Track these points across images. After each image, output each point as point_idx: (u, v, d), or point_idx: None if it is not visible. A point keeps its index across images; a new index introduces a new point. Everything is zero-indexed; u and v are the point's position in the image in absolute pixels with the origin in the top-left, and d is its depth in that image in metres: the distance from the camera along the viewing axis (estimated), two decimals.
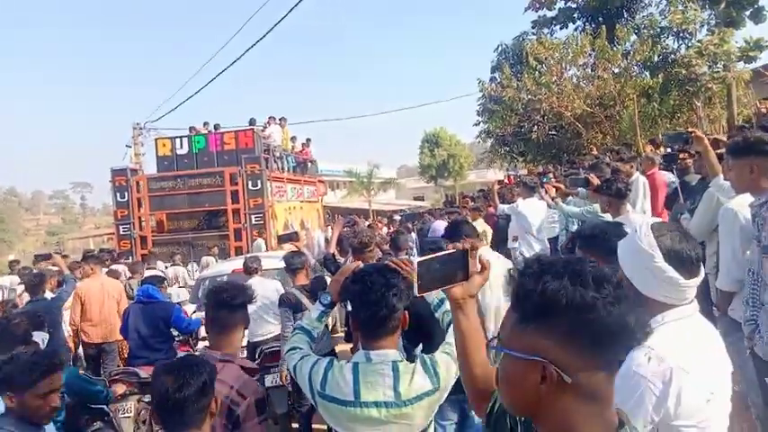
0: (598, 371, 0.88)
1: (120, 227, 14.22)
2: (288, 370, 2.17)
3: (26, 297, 6.65)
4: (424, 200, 46.46)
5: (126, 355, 6.35)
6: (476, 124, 18.84)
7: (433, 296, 2.14)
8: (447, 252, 1.43)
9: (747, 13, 13.26)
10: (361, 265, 2.23)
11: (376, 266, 2.07)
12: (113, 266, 9.69)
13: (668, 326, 1.53)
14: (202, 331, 5.66)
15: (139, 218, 14.26)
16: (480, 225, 7.32)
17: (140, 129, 21.37)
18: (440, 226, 8.70)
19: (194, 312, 6.55)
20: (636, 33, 11.90)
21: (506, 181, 8.52)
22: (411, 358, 2.04)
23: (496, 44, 17.32)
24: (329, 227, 14.02)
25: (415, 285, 1.38)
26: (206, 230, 14.37)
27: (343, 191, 40.79)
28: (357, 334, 2.02)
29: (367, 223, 17.13)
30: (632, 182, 4.55)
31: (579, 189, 5.44)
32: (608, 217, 3.92)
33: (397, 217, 22.38)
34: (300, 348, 2.11)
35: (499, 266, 3.37)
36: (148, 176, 14.72)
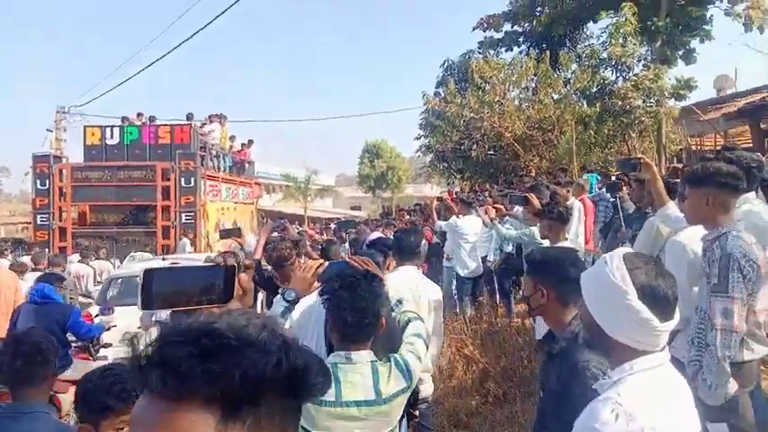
0: None
1: (38, 216, 13.35)
2: None
3: None
4: (360, 209, 46.51)
5: None
6: (417, 138, 19.00)
7: (392, 298, 2.21)
8: (206, 265, 1.41)
9: (680, 53, 14.28)
10: (325, 264, 2.29)
11: (362, 273, 2.09)
12: (21, 259, 9.05)
13: (638, 376, 1.31)
14: (104, 337, 5.50)
15: (60, 208, 13.42)
16: None
17: (64, 113, 20.16)
18: (377, 235, 8.67)
19: (97, 316, 6.01)
20: (577, 62, 12.38)
21: (446, 197, 8.59)
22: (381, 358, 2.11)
23: (443, 60, 17.58)
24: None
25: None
26: (132, 226, 13.75)
27: (279, 195, 40.17)
28: (334, 335, 2.00)
29: (298, 230, 16.93)
30: (570, 206, 4.67)
31: (516, 209, 5.53)
32: (545, 242, 3.99)
33: (333, 225, 22.28)
34: None
35: (429, 291, 3.44)
36: (73, 165, 13.92)
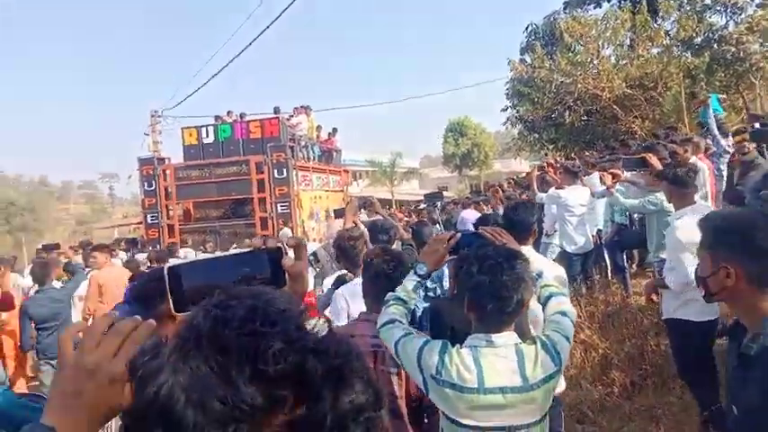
0: None
1: (148, 216, 14.27)
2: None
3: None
4: (447, 190, 46.02)
5: None
6: (503, 110, 18.21)
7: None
8: (244, 251, 1.12)
9: None
10: (458, 235, 2.14)
11: (502, 253, 1.91)
12: (135, 257, 9.66)
13: None
14: None
15: (167, 206, 14.27)
16: None
17: (158, 116, 21.37)
18: (469, 215, 8.31)
19: None
20: (679, 9, 11.19)
21: (547, 166, 7.99)
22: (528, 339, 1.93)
23: (526, 24, 16.63)
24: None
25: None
26: (233, 219, 14.34)
27: (365, 181, 40.59)
28: (471, 315, 1.86)
29: (388, 212, 16.89)
30: (695, 166, 4.15)
31: (638, 178, 4.93)
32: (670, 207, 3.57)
33: (423, 205, 22.04)
34: (400, 322, 2.00)
35: (554, 272, 3.03)
36: (175, 165, 14.72)
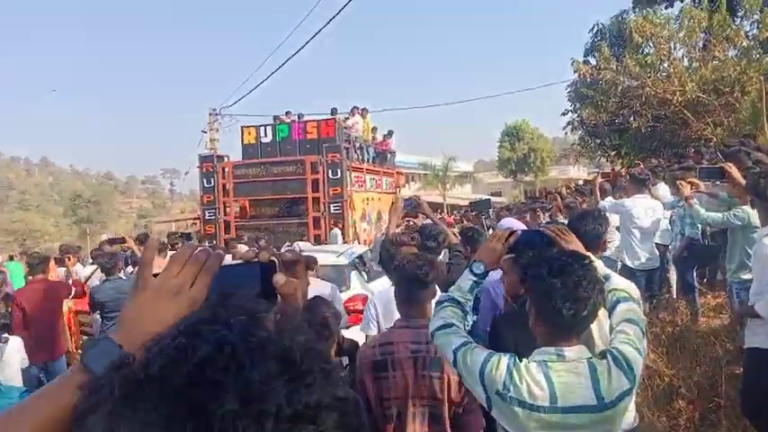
0: None
1: (206, 211, 14.63)
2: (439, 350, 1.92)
3: (94, 281, 6.74)
4: (501, 195, 45.30)
5: None
6: (564, 113, 17.51)
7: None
8: (238, 264, 0.94)
9: None
10: (518, 233, 2.02)
11: (569, 254, 1.80)
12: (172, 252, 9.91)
13: None
14: None
15: (224, 203, 14.58)
16: None
17: (216, 114, 21.87)
18: (510, 223, 7.95)
19: None
20: (762, 8, 10.35)
21: (611, 173, 7.56)
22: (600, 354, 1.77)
23: (592, 24, 15.81)
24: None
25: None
26: (286, 217, 14.49)
27: (417, 184, 40.46)
28: (540, 328, 1.72)
29: (438, 216, 16.63)
30: None
31: (718, 191, 4.47)
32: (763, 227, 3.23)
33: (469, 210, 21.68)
34: (457, 327, 1.87)
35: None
36: (234, 163, 15.03)
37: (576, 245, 1.97)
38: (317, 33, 14.41)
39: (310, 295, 4.30)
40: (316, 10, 14.53)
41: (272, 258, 0.94)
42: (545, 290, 1.65)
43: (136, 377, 0.49)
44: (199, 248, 0.83)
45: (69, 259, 7.60)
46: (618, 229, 5.88)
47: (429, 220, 4.84)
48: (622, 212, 5.89)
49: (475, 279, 1.96)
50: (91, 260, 8.74)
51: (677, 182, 4.81)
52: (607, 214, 6.07)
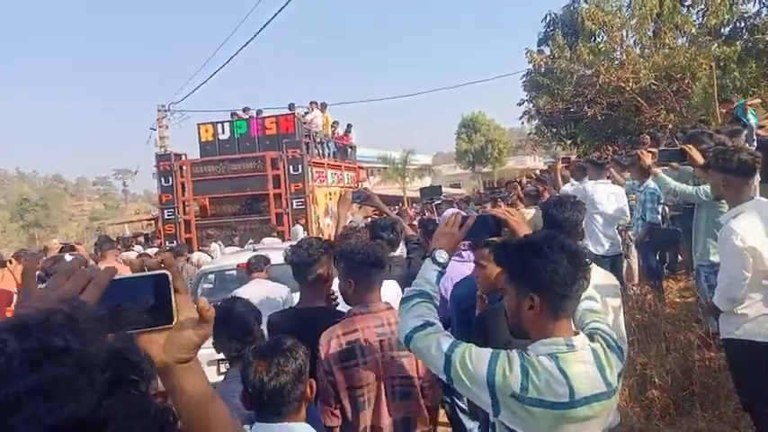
0: None
1: (165, 211, 14.24)
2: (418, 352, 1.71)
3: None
4: (460, 187, 45.78)
5: None
6: (519, 103, 17.70)
7: None
8: (143, 275, 0.89)
9: None
10: (474, 215, 1.99)
11: (555, 236, 1.66)
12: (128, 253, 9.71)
13: None
14: None
15: (183, 202, 14.22)
16: (531, 216, 6.19)
17: (165, 111, 21.30)
18: (453, 212, 7.87)
19: None
20: None
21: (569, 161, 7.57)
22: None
23: (544, 14, 16.00)
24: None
25: None
26: (248, 215, 14.27)
27: (377, 177, 40.43)
28: (543, 315, 1.56)
29: (396, 210, 16.71)
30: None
31: (682, 167, 4.42)
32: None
33: (438, 202, 21.77)
34: (438, 326, 1.70)
35: (604, 279, 2.64)
36: (192, 161, 14.68)
37: (524, 226, 1.92)
38: (264, 26, 14.09)
39: (261, 298, 4.07)
40: (264, 2, 14.15)
41: (164, 271, 0.87)
42: (537, 274, 1.53)
43: None
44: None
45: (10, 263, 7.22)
46: None
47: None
48: (584, 197, 5.90)
49: (440, 269, 1.83)
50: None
51: (639, 152, 4.83)
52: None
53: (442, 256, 1.83)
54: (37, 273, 6.16)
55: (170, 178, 14.17)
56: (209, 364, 4.84)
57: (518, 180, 12.58)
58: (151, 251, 10.59)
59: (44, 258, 7.25)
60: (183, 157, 14.88)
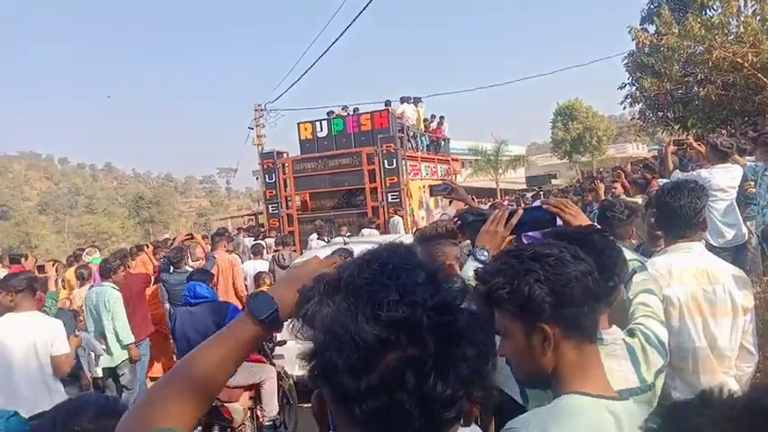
0: None
1: (269, 206, 15.04)
2: None
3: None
4: (557, 177, 44.20)
5: None
6: (621, 87, 16.66)
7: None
8: None
9: None
10: (520, 212, 1.84)
11: (585, 229, 1.63)
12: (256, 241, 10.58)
13: None
14: (280, 334, 4.47)
15: (286, 197, 14.94)
16: (640, 202, 5.81)
17: (261, 110, 22.20)
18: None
19: None
20: None
21: (689, 141, 6.82)
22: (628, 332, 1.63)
23: None
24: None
25: None
26: (345, 208, 14.75)
27: (468, 169, 39.94)
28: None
29: (491, 203, 16.44)
30: None
31: None
32: None
33: (530, 195, 21.22)
34: None
35: (733, 282, 2.39)
36: (293, 158, 15.36)
37: (582, 218, 1.80)
38: (352, 22, 14.39)
39: None
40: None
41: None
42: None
43: (333, 281, 0.77)
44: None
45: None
46: None
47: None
48: (704, 184, 5.55)
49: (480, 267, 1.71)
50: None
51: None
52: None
53: (483, 254, 1.75)
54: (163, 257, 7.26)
55: (273, 175, 14.94)
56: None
57: (622, 167, 11.92)
58: (269, 241, 11.65)
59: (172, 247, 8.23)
60: (285, 155, 15.62)
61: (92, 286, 6.12)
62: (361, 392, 0.68)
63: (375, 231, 11.84)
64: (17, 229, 57.63)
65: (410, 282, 0.73)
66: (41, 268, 5.80)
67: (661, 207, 2.56)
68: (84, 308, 5.87)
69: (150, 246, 9.24)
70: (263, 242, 11.49)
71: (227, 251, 8.36)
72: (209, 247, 8.35)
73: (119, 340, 5.67)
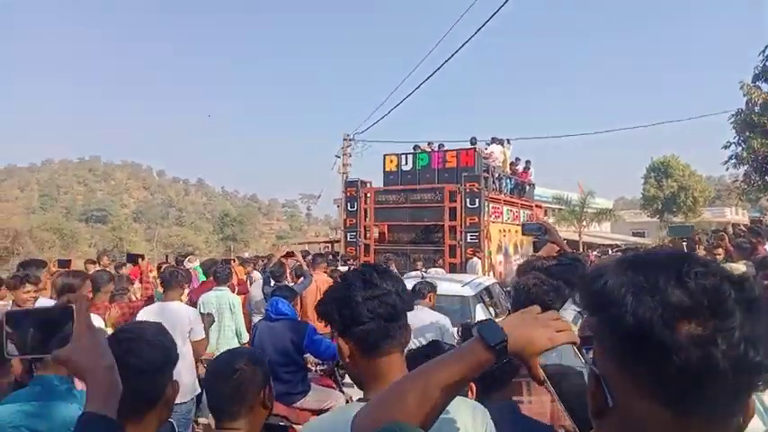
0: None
1: (348, 234, 15.25)
2: None
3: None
4: (645, 236, 42.00)
5: None
6: (726, 146, 15.75)
7: None
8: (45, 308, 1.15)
9: None
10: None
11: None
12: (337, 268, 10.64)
13: None
14: None
15: (365, 227, 15.10)
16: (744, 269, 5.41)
17: (350, 140, 22.88)
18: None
19: None
20: None
21: None
22: None
23: (762, 47, 14.06)
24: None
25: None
26: (422, 244, 14.65)
27: (551, 218, 38.80)
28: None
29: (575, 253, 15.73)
30: None
31: None
32: None
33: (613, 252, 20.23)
34: None
35: None
36: (375, 189, 15.57)
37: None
38: (444, 63, 14.52)
39: (421, 324, 4.39)
40: (446, 40, 14.61)
41: (71, 304, 1.08)
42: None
43: (623, 260, 0.82)
44: None
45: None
46: None
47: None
48: None
49: (579, 310, 1.71)
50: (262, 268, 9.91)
51: None
52: None
53: None
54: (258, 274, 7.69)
55: (355, 203, 15.19)
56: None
57: (723, 229, 11.16)
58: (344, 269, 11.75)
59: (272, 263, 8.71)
60: (369, 185, 15.86)
61: (192, 290, 6.72)
62: (678, 343, 0.70)
63: (441, 271, 11.66)
64: (113, 234, 61.77)
65: (703, 260, 0.78)
66: (121, 265, 6.91)
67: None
68: (200, 308, 6.22)
69: (236, 260, 9.78)
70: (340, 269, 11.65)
71: (325, 272, 8.53)
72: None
73: (238, 336, 6.17)
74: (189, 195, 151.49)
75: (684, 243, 6.89)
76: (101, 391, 1.04)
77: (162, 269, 6.87)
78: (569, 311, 1.68)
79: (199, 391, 4.47)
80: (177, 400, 1.73)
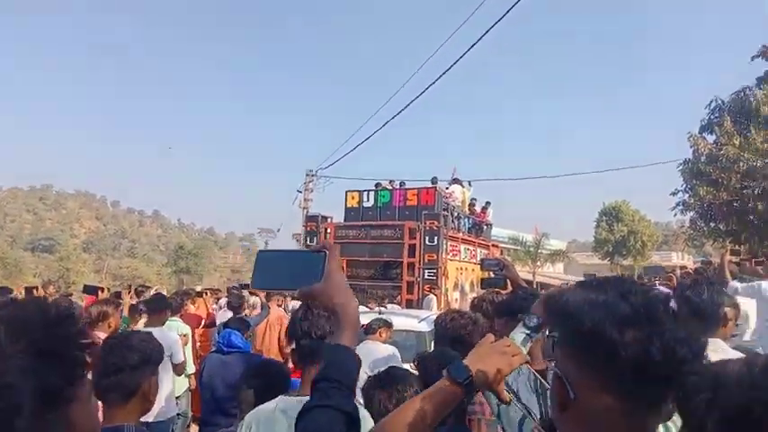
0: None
1: None
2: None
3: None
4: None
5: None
6: (674, 193, 16.48)
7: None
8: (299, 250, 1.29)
9: None
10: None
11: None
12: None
13: None
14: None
15: None
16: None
17: (312, 175, 23.08)
18: None
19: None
20: None
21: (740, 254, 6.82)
22: None
23: (709, 100, 15.04)
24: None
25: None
26: (380, 280, 14.61)
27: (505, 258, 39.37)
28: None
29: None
30: None
31: None
32: None
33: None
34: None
35: None
36: (336, 224, 15.55)
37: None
38: (406, 106, 14.97)
39: (371, 359, 4.36)
40: (411, 82, 15.06)
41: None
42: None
43: (579, 284, 1.05)
44: None
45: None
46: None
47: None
48: (759, 297, 5.33)
49: (528, 333, 1.71)
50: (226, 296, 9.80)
51: None
52: (739, 299, 5.51)
53: (533, 320, 1.73)
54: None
55: (315, 238, 15.10)
56: None
57: (670, 272, 11.57)
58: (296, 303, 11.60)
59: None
60: (329, 220, 15.83)
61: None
62: (623, 342, 0.88)
63: (397, 307, 11.65)
64: (59, 264, 59.32)
65: (639, 283, 1.01)
66: (119, 294, 7.17)
67: (683, 302, 2.53)
68: None
69: (209, 293, 9.71)
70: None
71: (278, 305, 8.44)
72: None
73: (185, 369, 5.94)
74: (144, 227, 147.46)
75: (657, 281, 7.27)
76: (351, 323, 1.17)
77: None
78: (519, 334, 1.76)
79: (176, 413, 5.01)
80: (157, 419, 2.01)
